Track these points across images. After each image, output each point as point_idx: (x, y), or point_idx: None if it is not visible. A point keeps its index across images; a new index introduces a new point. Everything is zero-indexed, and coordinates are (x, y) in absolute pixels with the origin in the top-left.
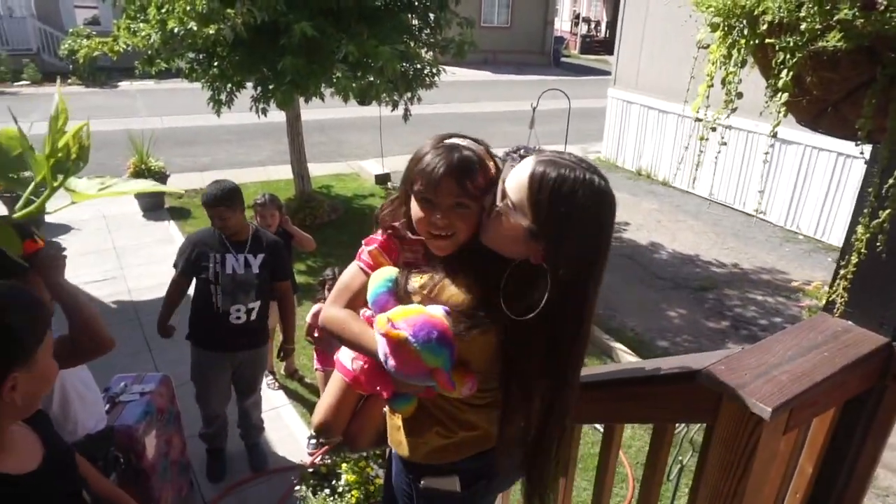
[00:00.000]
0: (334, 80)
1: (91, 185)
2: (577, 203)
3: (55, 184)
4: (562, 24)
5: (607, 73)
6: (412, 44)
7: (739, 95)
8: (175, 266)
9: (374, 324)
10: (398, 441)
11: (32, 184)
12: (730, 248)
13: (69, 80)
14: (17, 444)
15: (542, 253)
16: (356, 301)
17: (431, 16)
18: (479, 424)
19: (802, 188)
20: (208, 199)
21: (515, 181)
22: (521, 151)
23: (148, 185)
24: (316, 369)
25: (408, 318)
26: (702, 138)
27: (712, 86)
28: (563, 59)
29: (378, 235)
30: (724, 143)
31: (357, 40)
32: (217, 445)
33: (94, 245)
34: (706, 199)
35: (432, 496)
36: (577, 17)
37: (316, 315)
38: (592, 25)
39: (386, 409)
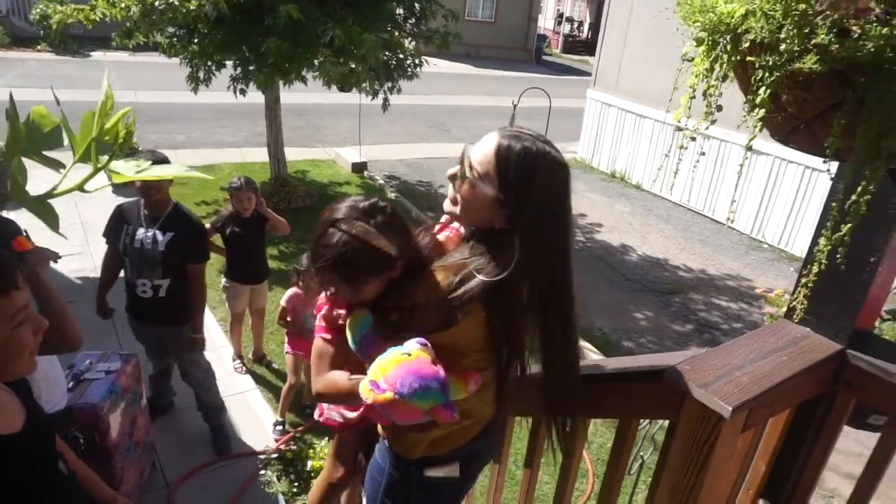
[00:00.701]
0: (317, 65)
1: (129, 167)
2: (538, 171)
3: (99, 165)
4: (545, 23)
5: (588, 73)
6: (396, 33)
7: (719, 108)
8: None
9: (360, 389)
10: (397, 437)
11: (72, 163)
12: (697, 254)
13: (38, 47)
14: (2, 404)
15: (505, 218)
16: (336, 361)
17: (417, 6)
18: (477, 411)
19: (770, 198)
20: (161, 159)
21: (482, 153)
22: None
23: (181, 171)
24: (287, 352)
25: (387, 376)
26: (681, 147)
27: (694, 97)
28: (545, 58)
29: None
30: (703, 154)
31: (343, 25)
32: (160, 403)
33: (62, 219)
34: (678, 205)
35: (431, 484)
36: (561, 16)
37: (290, 299)
38: (575, 25)
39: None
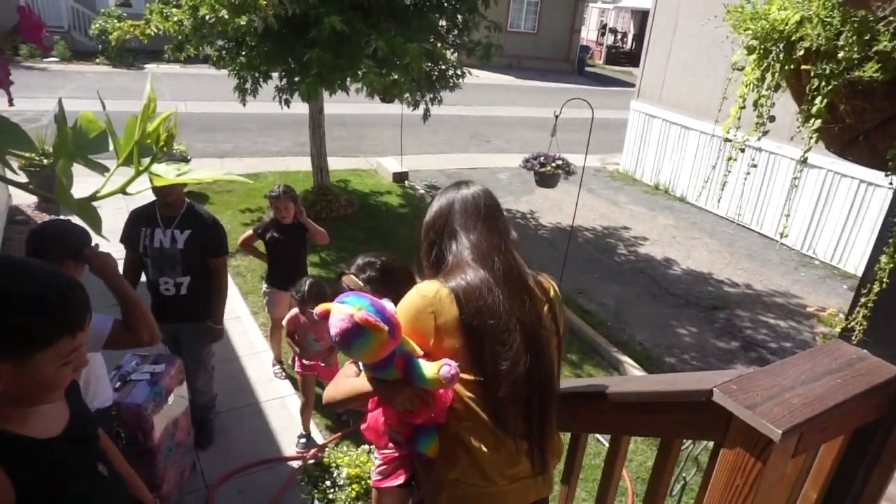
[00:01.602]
0: (360, 76)
1: (169, 170)
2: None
3: (141, 167)
4: (588, 34)
5: (631, 84)
6: (438, 44)
7: (772, 119)
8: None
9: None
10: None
11: (115, 166)
12: (744, 269)
13: (97, 60)
14: (41, 410)
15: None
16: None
17: (459, 17)
18: (496, 473)
19: (822, 213)
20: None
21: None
22: (541, 159)
23: (220, 175)
24: (297, 372)
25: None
26: (730, 159)
27: (744, 107)
28: (588, 69)
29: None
30: (755, 166)
31: (386, 36)
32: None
33: (113, 225)
34: (723, 218)
35: None
36: (604, 27)
37: (291, 320)
38: (619, 36)
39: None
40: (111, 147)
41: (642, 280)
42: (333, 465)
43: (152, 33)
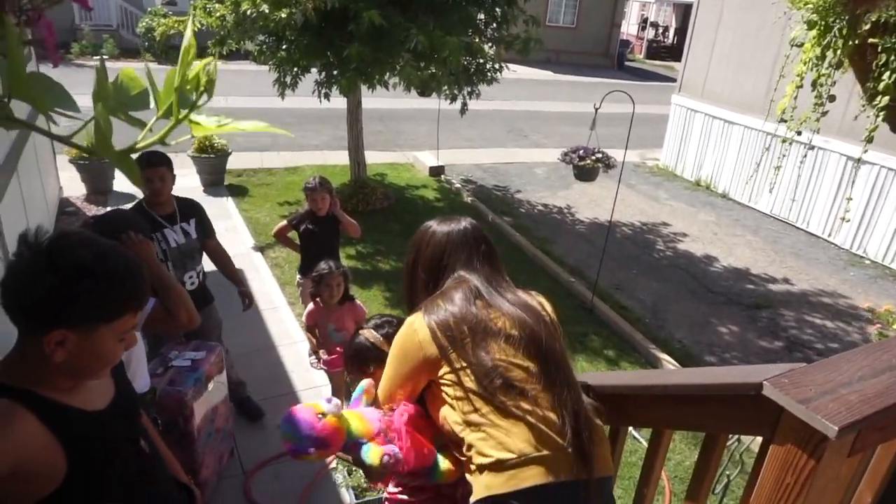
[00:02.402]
0: (398, 70)
1: (210, 120)
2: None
3: (180, 115)
4: (628, 28)
5: (672, 79)
6: (477, 38)
7: (832, 98)
8: None
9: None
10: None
11: (155, 117)
12: (789, 267)
13: (143, 57)
14: (90, 383)
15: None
16: None
17: (498, 11)
18: (511, 446)
19: (873, 211)
20: (152, 157)
21: None
22: (581, 152)
23: (262, 126)
24: (324, 369)
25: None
26: (784, 141)
27: (801, 86)
28: (628, 63)
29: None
30: (811, 148)
31: (425, 30)
32: None
33: None
34: (768, 215)
35: None
36: (645, 21)
37: (310, 315)
38: (660, 30)
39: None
40: (152, 104)
41: (682, 277)
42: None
43: (195, 29)
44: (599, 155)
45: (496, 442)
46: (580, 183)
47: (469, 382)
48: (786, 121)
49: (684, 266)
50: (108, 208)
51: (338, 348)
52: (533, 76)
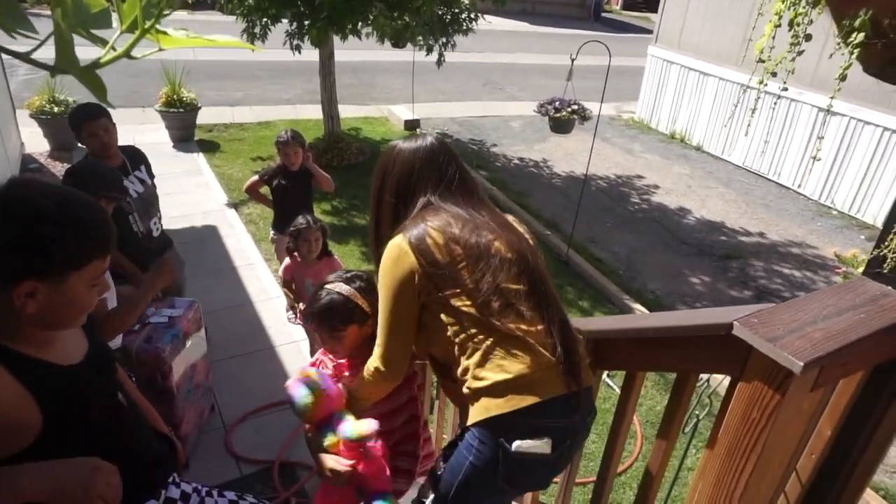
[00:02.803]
0: (371, 19)
1: (179, 32)
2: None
3: (146, 26)
4: None
5: (649, 31)
6: None
7: (808, 37)
8: None
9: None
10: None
11: (119, 32)
12: (759, 219)
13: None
14: (64, 335)
15: None
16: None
17: None
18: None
19: (842, 162)
20: (89, 109)
21: None
22: (556, 104)
23: (233, 41)
24: (301, 325)
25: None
26: (761, 82)
27: (779, 25)
28: (604, 15)
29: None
30: (785, 89)
31: None
32: None
33: None
34: (740, 167)
35: (522, 461)
36: None
37: (286, 269)
38: None
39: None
40: (115, 24)
41: (656, 229)
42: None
43: None
44: (575, 107)
45: (494, 364)
46: (556, 136)
47: (463, 305)
48: (763, 61)
49: (658, 218)
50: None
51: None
52: (508, 27)
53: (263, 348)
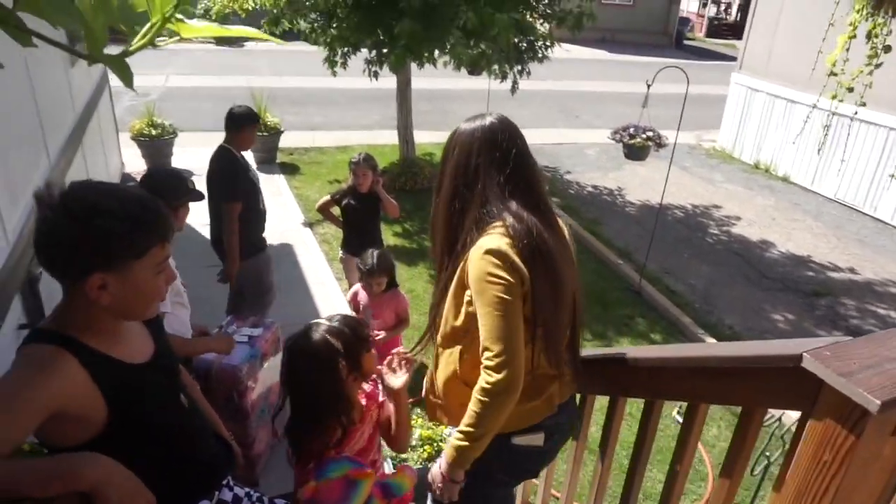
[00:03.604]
0: (448, 47)
1: (200, 22)
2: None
3: (166, 14)
4: (689, 5)
5: (733, 58)
6: (528, 13)
7: (887, 49)
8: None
9: None
10: None
11: (150, 23)
12: (852, 255)
13: (203, 38)
14: (131, 336)
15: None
16: None
17: None
18: (538, 391)
19: None
20: (257, 117)
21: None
22: (631, 130)
23: (252, 32)
24: None
25: None
26: (834, 97)
27: (854, 37)
28: (687, 42)
29: None
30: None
31: (475, 7)
32: None
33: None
34: (832, 200)
35: (520, 451)
36: None
37: (353, 297)
38: (722, 7)
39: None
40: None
41: (735, 262)
42: None
43: (250, 7)
44: (650, 133)
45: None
46: (632, 164)
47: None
48: (836, 74)
49: (738, 251)
50: None
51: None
52: (587, 56)
53: None
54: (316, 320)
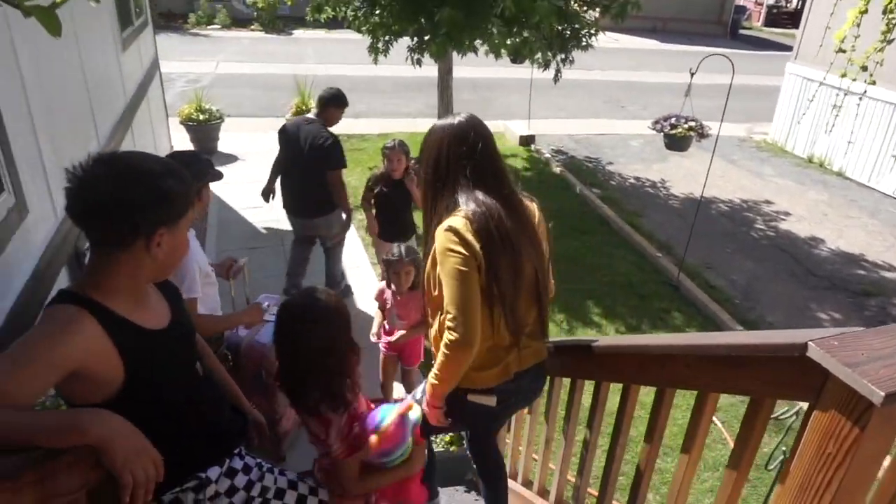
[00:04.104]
0: (488, 35)
1: None
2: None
3: None
4: None
5: (791, 48)
6: (572, 1)
7: None
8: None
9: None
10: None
11: None
12: None
13: (252, 27)
14: (151, 303)
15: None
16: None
17: None
18: (504, 359)
19: None
20: (338, 96)
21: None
22: (672, 120)
23: None
24: (382, 347)
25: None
26: (843, 75)
27: (866, 11)
28: (743, 31)
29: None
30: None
31: None
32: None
33: (255, 175)
34: (890, 197)
35: (473, 407)
36: None
37: (380, 292)
38: None
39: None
40: None
41: (781, 258)
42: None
43: None
44: (693, 123)
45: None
46: (677, 156)
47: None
48: (844, 51)
49: (785, 247)
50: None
51: (385, 336)
52: (636, 45)
53: (365, 346)
54: (307, 287)
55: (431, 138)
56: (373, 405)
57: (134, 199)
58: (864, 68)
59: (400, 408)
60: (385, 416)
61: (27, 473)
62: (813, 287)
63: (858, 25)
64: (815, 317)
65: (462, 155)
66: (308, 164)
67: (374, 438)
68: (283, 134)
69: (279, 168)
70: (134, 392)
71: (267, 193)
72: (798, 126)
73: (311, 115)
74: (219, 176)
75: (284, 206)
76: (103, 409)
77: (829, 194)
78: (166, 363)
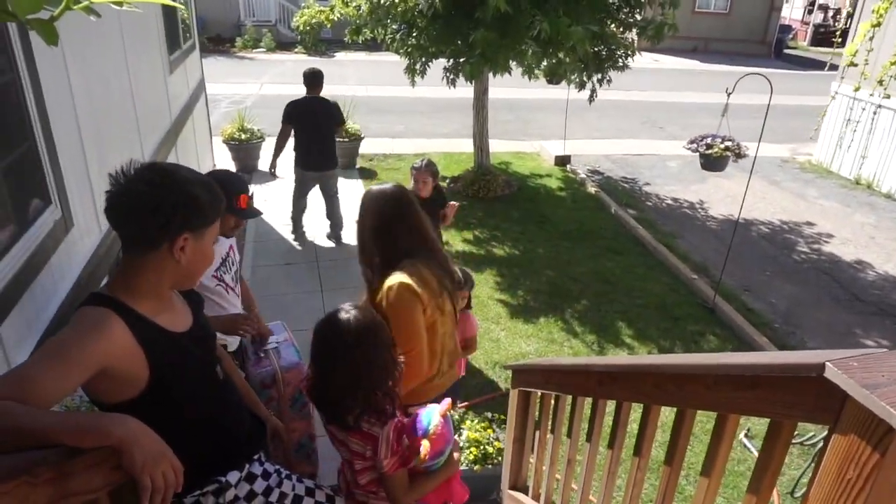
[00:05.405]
0: (523, 55)
1: None
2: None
3: None
4: (791, 12)
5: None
6: (609, 22)
7: None
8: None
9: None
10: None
11: None
12: None
13: (296, 50)
14: (174, 307)
15: None
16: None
17: None
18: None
19: None
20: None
21: None
22: (708, 140)
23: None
24: None
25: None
26: (857, 89)
27: (878, 25)
28: (788, 51)
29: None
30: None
31: (551, 17)
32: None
33: (279, 200)
34: None
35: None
36: (812, 4)
37: None
38: (830, 14)
39: None
40: None
41: (825, 282)
42: (456, 426)
43: (336, 18)
44: (729, 143)
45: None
46: (716, 177)
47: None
48: (855, 65)
49: (829, 270)
50: (253, 185)
51: None
52: (677, 66)
53: None
54: (339, 307)
55: (363, 205)
56: (409, 410)
57: (163, 197)
58: (880, 83)
59: (441, 408)
60: (430, 419)
61: (45, 470)
62: (859, 312)
63: (871, 39)
64: (860, 343)
65: (380, 228)
66: (328, 125)
67: (426, 444)
68: (297, 109)
69: (284, 142)
70: (158, 391)
71: (273, 167)
72: (844, 146)
73: (306, 95)
74: (256, 213)
75: (308, 167)
76: (126, 415)
77: (877, 216)
78: (188, 364)
